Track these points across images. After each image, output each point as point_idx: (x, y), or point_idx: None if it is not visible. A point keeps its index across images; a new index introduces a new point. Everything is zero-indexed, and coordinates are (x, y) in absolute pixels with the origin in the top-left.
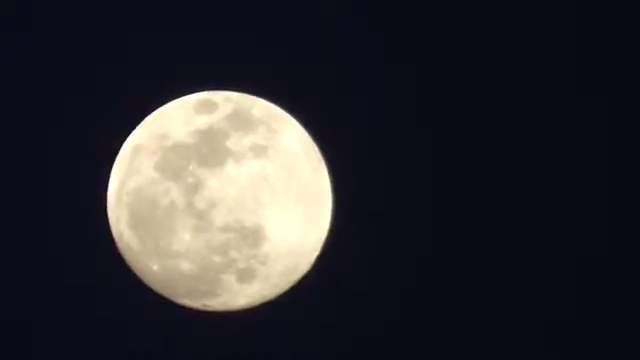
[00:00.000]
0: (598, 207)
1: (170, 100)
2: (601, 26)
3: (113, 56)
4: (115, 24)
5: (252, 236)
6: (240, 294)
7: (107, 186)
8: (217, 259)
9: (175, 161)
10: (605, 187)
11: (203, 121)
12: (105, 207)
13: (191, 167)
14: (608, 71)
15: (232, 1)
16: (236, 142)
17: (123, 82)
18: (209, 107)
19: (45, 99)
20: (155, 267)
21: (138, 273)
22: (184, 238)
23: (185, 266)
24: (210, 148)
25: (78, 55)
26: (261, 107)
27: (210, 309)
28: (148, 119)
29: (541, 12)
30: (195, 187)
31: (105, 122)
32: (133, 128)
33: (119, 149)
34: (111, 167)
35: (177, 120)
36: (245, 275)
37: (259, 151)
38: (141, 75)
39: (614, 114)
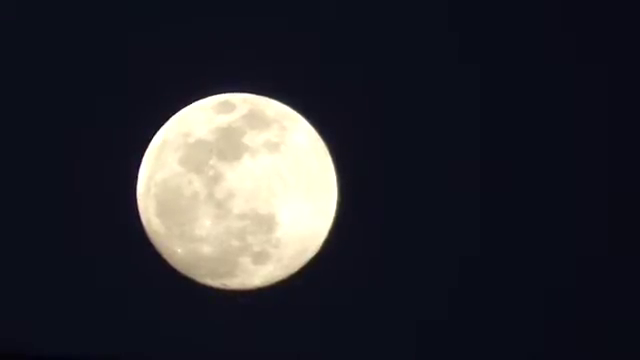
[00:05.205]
0: (598, 207)
1: (193, 101)
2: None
3: (144, 64)
4: (148, 41)
5: (266, 223)
6: (255, 275)
7: (137, 179)
8: (235, 243)
9: (197, 156)
10: (605, 187)
11: (222, 120)
12: (135, 197)
13: (211, 161)
14: (608, 70)
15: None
16: (252, 139)
17: (152, 86)
18: (228, 107)
19: (81, 101)
20: (180, 250)
21: (165, 256)
22: (205, 225)
23: (206, 250)
24: (228, 144)
25: (112, 63)
26: (274, 107)
27: (229, 288)
28: (173, 118)
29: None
30: (215, 179)
31: (135, 122)
32: (160, 127)
33: (148, 145)
34: (141, 162)
35: (199, 119)
36: (260, 257)
37: (272, 147)
38: (167, 80)
39: (614, 113)
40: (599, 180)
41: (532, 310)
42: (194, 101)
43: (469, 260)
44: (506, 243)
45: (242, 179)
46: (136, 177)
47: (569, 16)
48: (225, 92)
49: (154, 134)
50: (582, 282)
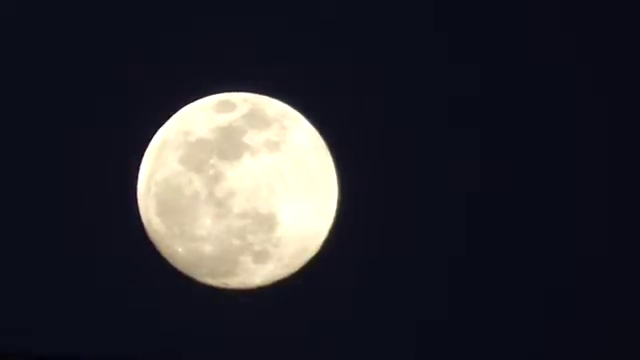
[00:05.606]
0: (598, 207)
1: (193, 101)
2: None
3: (144, 64)
4: (148, 40)
5: (266, 222)
6: (256, 274)
7: (137, 178)
8: (235, 242)
9: (198, 155)
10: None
11: (223, 119)
12: (136, 197)
13: (212, 160)
14: (608, 71)
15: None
16: (252, 138)
17: (152, 86)
18: (228, 107)
19: (81, 101)
20: (180, 250)
21: (165, 255)
22: (206, 224)
23: (207, 249)
24: (229, 143)
25: (112, 63)
26: (274, 107)
27: (229, 287)
28: (174, 118)
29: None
30: (215, 178)
31: (135, 122)
32: (160, 126)
33: (148, 145)
34: (141, 161)
35: (199, 118)
36: (260, 257)
37: (272, 146)
38: (167, 79)
39: (614, 113)
40: (599, 180)
41: (532, 310)
42: (194, 100)
43: (469, 260)
44: (506, 243)
45: (242, 178)
46: (136, 177)
47: (569, 16)
48: (225, 91)
49: (154, 134)
50: (582, 282)
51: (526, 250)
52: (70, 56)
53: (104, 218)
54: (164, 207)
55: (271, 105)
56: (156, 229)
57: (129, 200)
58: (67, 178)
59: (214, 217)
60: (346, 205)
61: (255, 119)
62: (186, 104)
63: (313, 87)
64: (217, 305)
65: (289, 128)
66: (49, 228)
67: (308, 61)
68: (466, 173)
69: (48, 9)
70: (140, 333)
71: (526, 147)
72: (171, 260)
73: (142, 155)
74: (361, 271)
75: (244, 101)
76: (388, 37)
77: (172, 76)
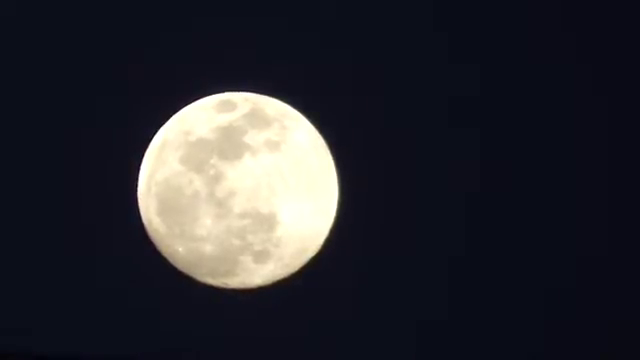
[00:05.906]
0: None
1: (194, 101)
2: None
3: (144, 64)
4: (148, 40)
5: (267, 222)
6: (256, 273)
7: (138, 178)
8: (236, 242)
9: (198, 155)
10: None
11: (223, 119)
12: (136, 197)
13: (212, 160)
14: (608, 71)
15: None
16: (252, 138)
17: (152, 86)
18: (229, 106)
19: (81, 101)
20: (180, 249)
21: (165, 255)
22: (206, 224)
23: (207, 249)
24: (229, 143)
25: (112, 63)
26: (275, 106)
27: (229, 287)
28: (174, 117)
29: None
30: (216, 178)
31: (135, 122)
32: (160, 126)
33: (148, 145)
34: (141, 161)
35: (200, 118)
36: (260, 256)
37: (273, 146)
38: (167, 79)
39: (614, 113)
40: (599, 180)
41: (532, 310)
42: (195, 100)
43: (469, 260)
44: (506, 243)
45: (243, 178)
46: (136, 177)
47: (569, 16)
48: (226, 91)
49: (154, 134)
50: (582, 282)
51: (526, 250)
52: (70, 56)
53: (104, 218)
54: (164, 207)
55: (271, 105)
56: (156, 229)
57: (129, 200)
58: (67, 178)
59: (214, 217)
60: (346, 205)
61: (255, 119)
62: (186, 104)
63: (313, 87)
64: (217, 305)
65: (289, 128)
66: (49, 228)
67: (308, 61)
68: (466, 173)
69: (48, 9)
70: (140, 333)
71: (526, 147)
72: (171, 260)
73: (142, 155)
74: (361, 271)
75: (245, 101)
76: (388, 37)
77: (172, 76)
